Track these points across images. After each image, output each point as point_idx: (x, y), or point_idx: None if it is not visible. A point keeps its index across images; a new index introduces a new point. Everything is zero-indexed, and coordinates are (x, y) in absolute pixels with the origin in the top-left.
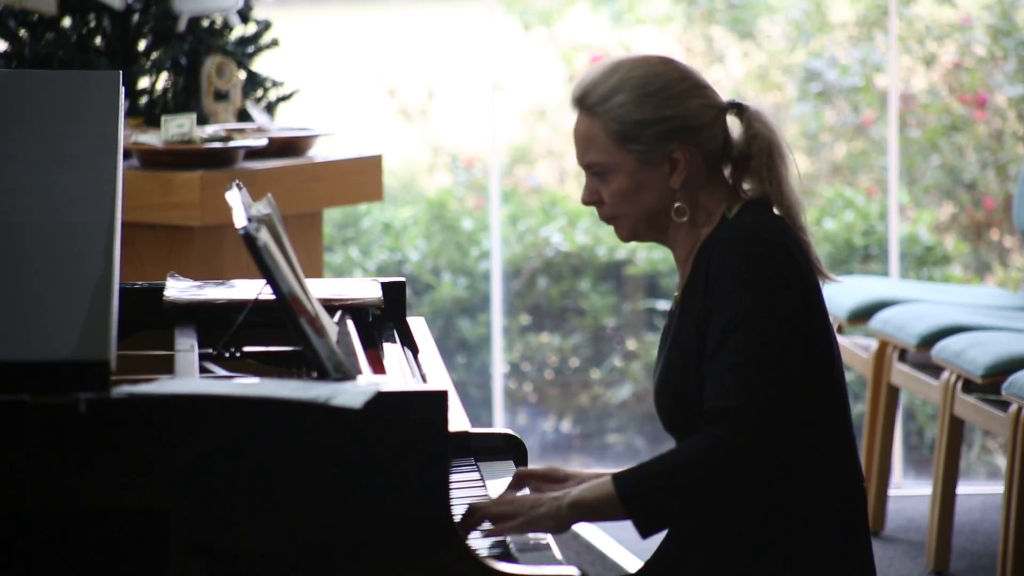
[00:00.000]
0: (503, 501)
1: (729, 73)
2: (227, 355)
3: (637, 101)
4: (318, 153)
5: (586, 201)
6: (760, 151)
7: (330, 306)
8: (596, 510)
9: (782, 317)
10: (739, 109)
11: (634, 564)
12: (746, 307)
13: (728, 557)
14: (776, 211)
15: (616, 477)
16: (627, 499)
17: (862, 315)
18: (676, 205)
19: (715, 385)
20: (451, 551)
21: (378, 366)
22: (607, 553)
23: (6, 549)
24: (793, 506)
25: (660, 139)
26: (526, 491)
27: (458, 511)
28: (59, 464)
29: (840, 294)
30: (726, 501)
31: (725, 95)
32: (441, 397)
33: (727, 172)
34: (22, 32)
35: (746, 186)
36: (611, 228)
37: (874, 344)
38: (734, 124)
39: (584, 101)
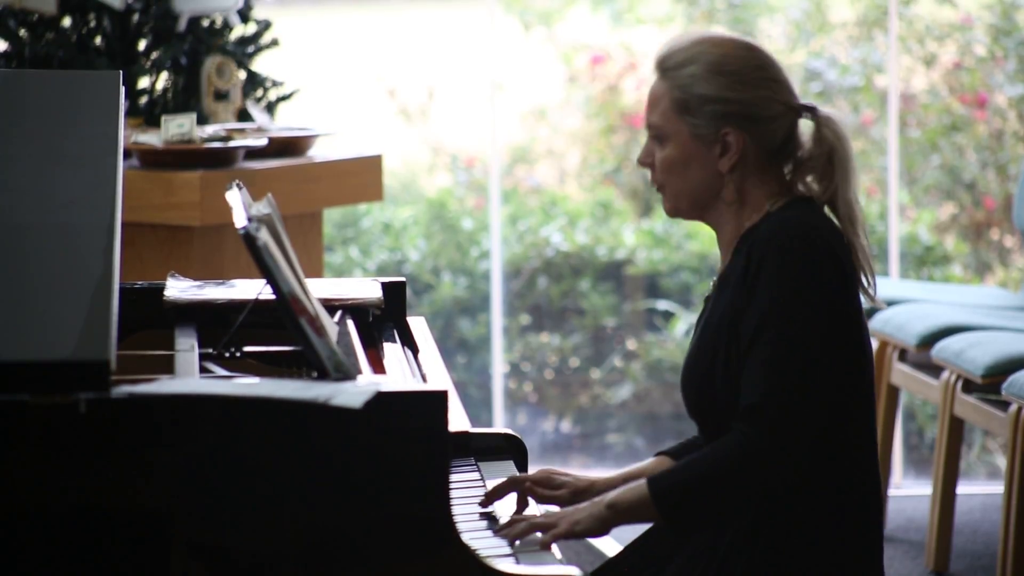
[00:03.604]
0: (545, 516)
1: None
2: (227, 355)
3: (706, 76)
4: (318, 153)
5: (640, 161)
6: (820, 155)
7: (330, 306)
8: (633, 512)
9: (818, 316)
10: (813, 113)
11: (607, 544)
12: (782, 304)
13: (740, 549)
14: (826, 211)
15: (651, 480)
16: (661, 501)
17: None
18: (720, 189)
19: (748, 382)
20: (451, 551)
21: (378, 366)
22: (607, 553)
23: (6, 549)
24: (810, 503)
25: (717, 118)
26: (535, 507)
27: (458, 511)
28: (59, 464)
29: None
30: (757, 500)
31: None
32: (441, 397)
33: (787, 169)
34: (22, 32)
35: (803, 188)
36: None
37: (874, 344)
38: (808, 127)
39: (662, 64)
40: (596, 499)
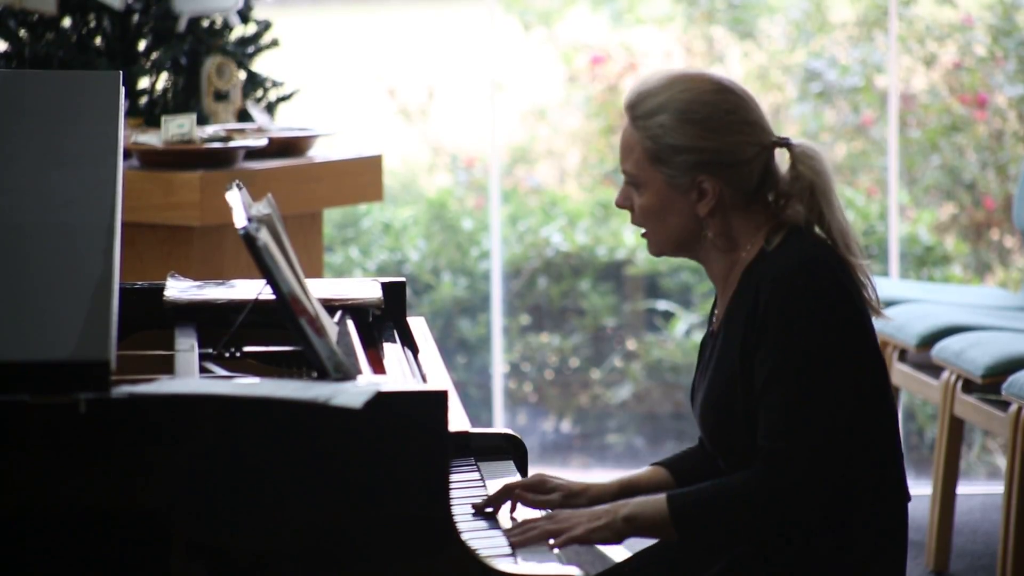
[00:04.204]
0: (558, 517)
1: (729, 73)
2: (227, 355)
3: (676, 126)
4: (318, 153)
5: (618, 204)
6: (802, 190)
7: (330, 306)
8: (649, 527)
9: (832, 353)
10: (788, 147)
11: (617, 551)
12: (796, 345)
13: (754, 555)
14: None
15: (671, 498)
16: (679, 522)
17: None
18: (702, 232)
19: (767, 423)
20: (451, 551)
21: (378, 366)
22: (608, 554)
23: (6, 549)
24: (836, 518)
25: (690, 167)
26: (529, 510)
27: (458, 511)
28: (59, 464)
29: None
30: (776, 533)
31: None
32: (441, 397)
33: (771, 197)
34: (22, 32)
35: (791, 213)
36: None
37: None
38: (785, 156)
39: (632, 109)
40: (611, 508)
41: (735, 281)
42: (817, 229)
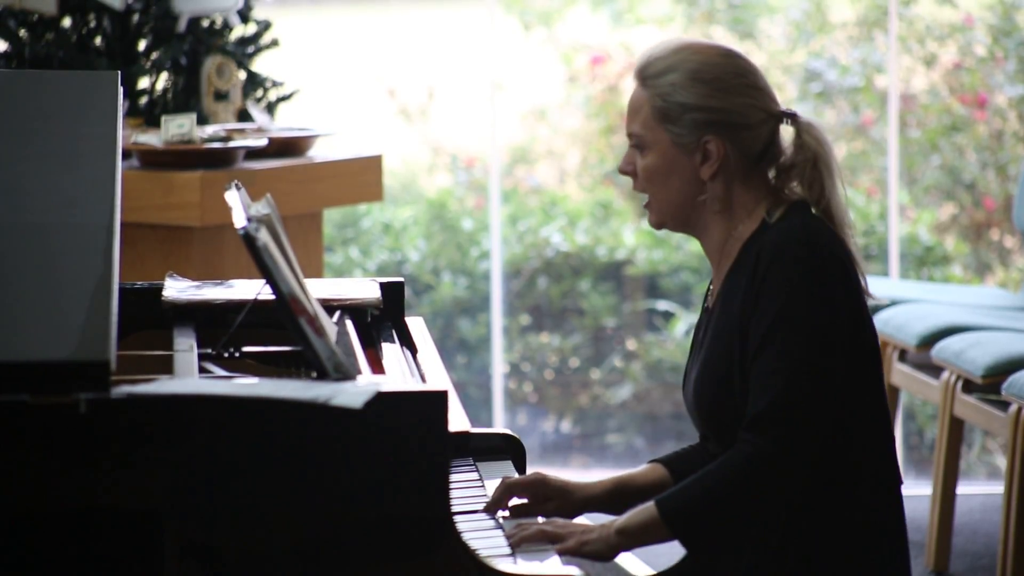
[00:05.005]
0: (555, 523)
1: None
2: (226, 355)
3: (686, 84)
4: (318, 153)
5: (621, 170)
6: (804, 162)
7: (329, 306)
8: (643, 535)
9: (824, 322)
10: (793, 119)
11: (637, 567)
12: (788, 312)
13: (761, 558)
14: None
15: (659, 500)
16: (671, 520)
17: None
18: (703, 197)
19: (755, 390)
20: (451, 551)
21: (377, 366)
22: (629, 570)
23: (7, 549)
24: (829, 508)
25: (698, 126)
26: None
27: (457, 511)
28: (59, 464)
29: None
30: (770, 509)
31: None
32: (441, 397)
33: (771, 174)
34: (22, 32)
35: (789, 193)
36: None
37: None
38: (788, 132)
39: (642, 72)
40: (604, 524)
41: (733, 253)
42: (814, 210)
